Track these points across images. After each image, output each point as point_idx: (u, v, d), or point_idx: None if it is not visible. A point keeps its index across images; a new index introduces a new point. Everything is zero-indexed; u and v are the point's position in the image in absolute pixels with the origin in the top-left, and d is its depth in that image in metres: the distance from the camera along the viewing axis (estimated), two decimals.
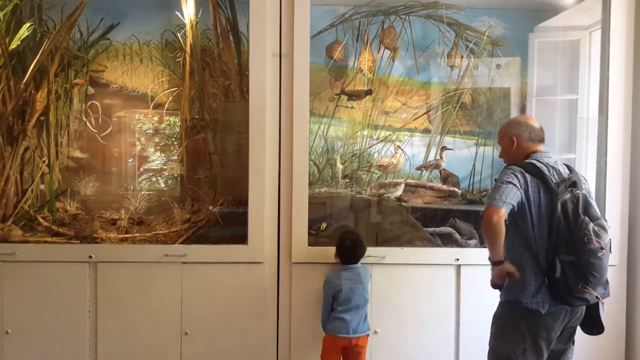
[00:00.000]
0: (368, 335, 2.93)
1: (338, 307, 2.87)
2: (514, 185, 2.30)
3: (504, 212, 2.26)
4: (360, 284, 2.89)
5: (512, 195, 2.28)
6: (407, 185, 3.46)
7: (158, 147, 3.42)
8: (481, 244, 3.25)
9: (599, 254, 2.20)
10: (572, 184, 2.33)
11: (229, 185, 3.30)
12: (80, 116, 3.32)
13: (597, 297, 2.28)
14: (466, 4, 3.42)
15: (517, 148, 2.46)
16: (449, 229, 3.31)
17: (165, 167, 3.42)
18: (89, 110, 3.33)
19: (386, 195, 3.41)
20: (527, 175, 2.33)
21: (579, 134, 3.49)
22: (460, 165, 3.49)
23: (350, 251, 2.94)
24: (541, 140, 2.48)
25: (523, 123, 2.49)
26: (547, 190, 2.31)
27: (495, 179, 2.41)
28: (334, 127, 3.48)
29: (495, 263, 2.37)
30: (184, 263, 3.07)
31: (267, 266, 3.09)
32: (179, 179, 3.40)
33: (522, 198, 2.31)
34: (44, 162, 3.27)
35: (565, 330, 2.41)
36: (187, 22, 3.26)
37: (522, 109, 3.51)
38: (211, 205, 3.29)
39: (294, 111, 3.04)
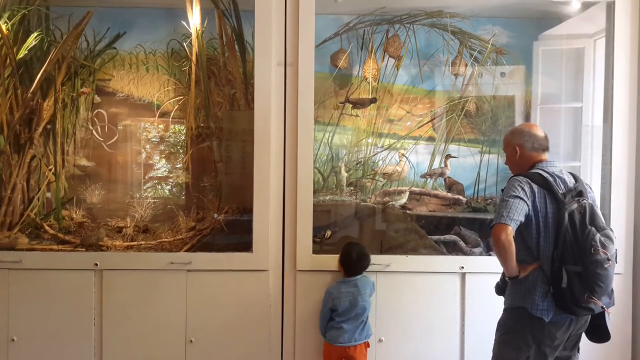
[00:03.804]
0: (366, 342, 2.93)
1: (336, 318, 2.88)
2: (521, 198, 2.28)
3: (511, 230, 2.25)
4: (359, 295, 2.88)
5: (519, 211, 2.27)
6: (411, 193, 3.46)
7: (163, 155, 3.44)
8: (486, 252, 3.25)
9: (606, 265, 2.20)
10: (579, 193, 2.33)
11: (234, 193, 3.31)
12: (86, 124, 3.34)
13: (602, 307, 2.28)
14: (470, 13, 3.42)
15: (521, 158, 2.46)
16: (453, 237, 3.31)
17: (170, 175, 3.43)
18: (95, 119, 3.35)
19: (391, 203, 3.41)
20: (534, 185, 2.33)
21: (584, 141, 3.48)
22: (465, 173, 3.49)
23: (356, 263, 2.95)
24: (545, 149, 2.47)
25: (527, 132, 2.48)
26: (554, 200, 2.30)
27: (502, 190, 2.40)
28: (339, 135, 3.49)
29: (510, 279, 2.38)
30: (189, 271, 3.07)
31: (271, 274, 3.09)
32: (184, 187, 3.41)
33: (529, 210, 2.30)
34: (50, 170, 3.29)
35: (570, 338, 2.40)
36: (192, 31, 3.28)
37: (527, 117, 3.50)
38: (216, 213, 3.30)
39: (298, 119, 3.05)
